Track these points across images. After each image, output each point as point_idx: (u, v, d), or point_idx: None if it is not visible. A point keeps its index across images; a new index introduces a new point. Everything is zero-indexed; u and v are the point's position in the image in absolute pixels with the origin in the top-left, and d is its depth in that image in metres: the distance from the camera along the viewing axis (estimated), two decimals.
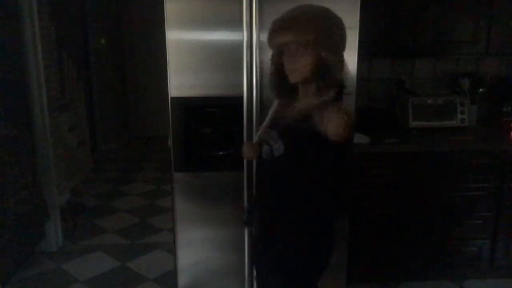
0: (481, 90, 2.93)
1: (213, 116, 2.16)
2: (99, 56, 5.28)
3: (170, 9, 2.01)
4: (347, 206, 1.69)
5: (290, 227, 1.50)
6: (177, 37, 2.04)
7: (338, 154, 1.39)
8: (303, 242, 1.49)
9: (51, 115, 3.13)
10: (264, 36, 2.03)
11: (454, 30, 2.63)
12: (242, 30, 2.02)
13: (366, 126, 2.52)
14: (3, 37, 2.68)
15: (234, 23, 2.04)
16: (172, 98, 2.10)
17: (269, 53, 2.03)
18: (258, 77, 2.06)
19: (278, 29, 1.43)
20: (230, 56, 2.07)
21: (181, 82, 2.09)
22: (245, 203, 2.15)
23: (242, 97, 2.08)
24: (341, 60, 1.42)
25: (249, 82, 2.06)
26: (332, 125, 1.28)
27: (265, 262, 1.62)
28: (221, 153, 2.19)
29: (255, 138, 1.80)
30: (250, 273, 2.27)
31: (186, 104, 2.10)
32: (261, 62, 2.05)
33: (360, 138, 2.45)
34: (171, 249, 2.49)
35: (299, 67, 1.42)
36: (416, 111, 2.72)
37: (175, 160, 2.17)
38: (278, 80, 1.53)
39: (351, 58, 2.10)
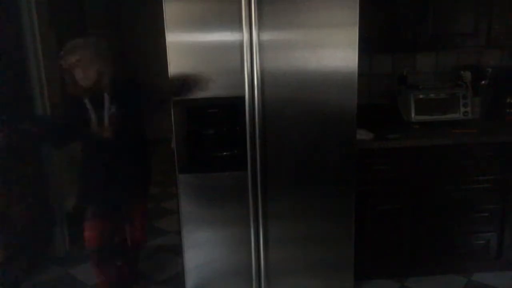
0: (483, 82, 2.91)
1: (216, 117, 2.16)
2: None
3: (169, 11, 2.01)
4: None
5: None
6: (177, 39, 2.04)
7: None
8: None
9: None
10: (264, 36, 2.05)
11: (454, 23, 2.62)
12: (242, 30, 2.02)
13: (369, 122, 2.51)
14: (5, 45, 2.69)
15: (234, 23, 2.03)
16: (174, 100, 2.10)
17: (269, 53, 2.06)
18: (259, 77, 2.06)
19: None
20: (230, 57, 2.07)
21: None
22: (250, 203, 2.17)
23: (243, 97, 2.08)
24: None
25: (250, 82, 2.06)
26: None
27: None
28: (224, 153, 2.19)
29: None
30: (258, 272, 2.27)
31: (188, 106, 2.11)
32: (261, 61, 2.05)
33: (363, 135, 2.44)
34: (178, 251, 2.49)
35: None
36: (419, 105, 2.72)
37: (179, 162, 2.17)
38: None
39: (351, 54, 2.10)
